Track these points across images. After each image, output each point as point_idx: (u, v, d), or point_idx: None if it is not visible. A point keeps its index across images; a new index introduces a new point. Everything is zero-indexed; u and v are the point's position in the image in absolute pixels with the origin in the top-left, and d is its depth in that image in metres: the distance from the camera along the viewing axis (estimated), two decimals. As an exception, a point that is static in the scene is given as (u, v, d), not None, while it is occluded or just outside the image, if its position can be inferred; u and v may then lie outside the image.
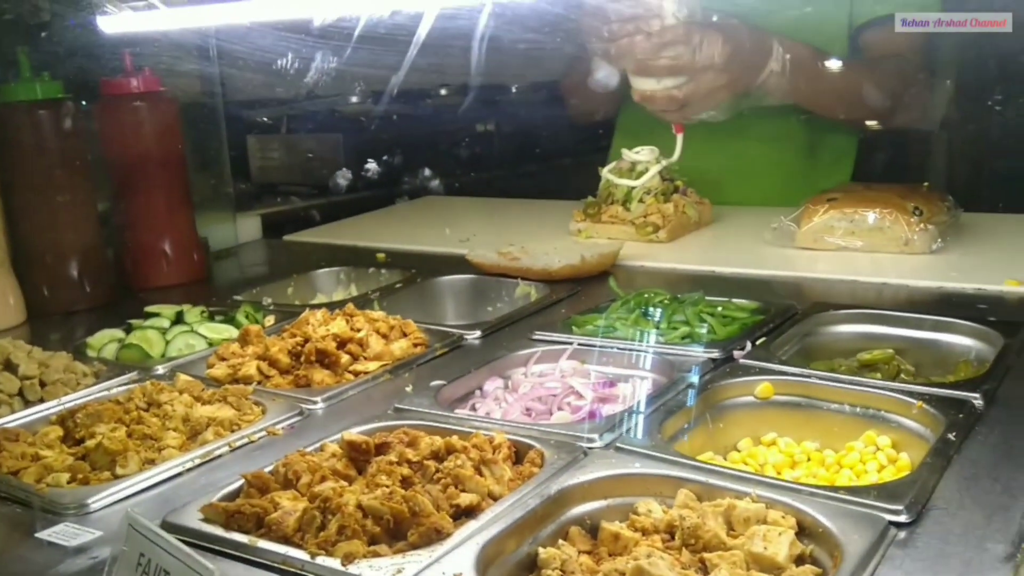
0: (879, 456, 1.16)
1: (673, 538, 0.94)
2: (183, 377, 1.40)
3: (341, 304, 1.65)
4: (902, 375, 1.35)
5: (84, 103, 1.96)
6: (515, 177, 3.69)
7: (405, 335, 1.55)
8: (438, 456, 1.08)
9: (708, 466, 1.08)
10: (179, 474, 1.15)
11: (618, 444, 1.13)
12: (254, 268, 2.37)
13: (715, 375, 1.32)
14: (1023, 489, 0.98)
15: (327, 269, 2.10)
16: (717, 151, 2.38)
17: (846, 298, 1.68)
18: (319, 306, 1.70)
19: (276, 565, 0.93)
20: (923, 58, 2.25)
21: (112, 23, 1.86)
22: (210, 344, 1.63)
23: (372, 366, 1.46)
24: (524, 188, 3.20)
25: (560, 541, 0.97)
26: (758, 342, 1.43)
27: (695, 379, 1.31)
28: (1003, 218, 2.18)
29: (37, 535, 1.03)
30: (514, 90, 3.79)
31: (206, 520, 1.01)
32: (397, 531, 0.96)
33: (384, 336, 1.53)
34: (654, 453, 1.09)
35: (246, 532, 0.98)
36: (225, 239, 2.44)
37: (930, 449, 1.08)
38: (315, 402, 1.34)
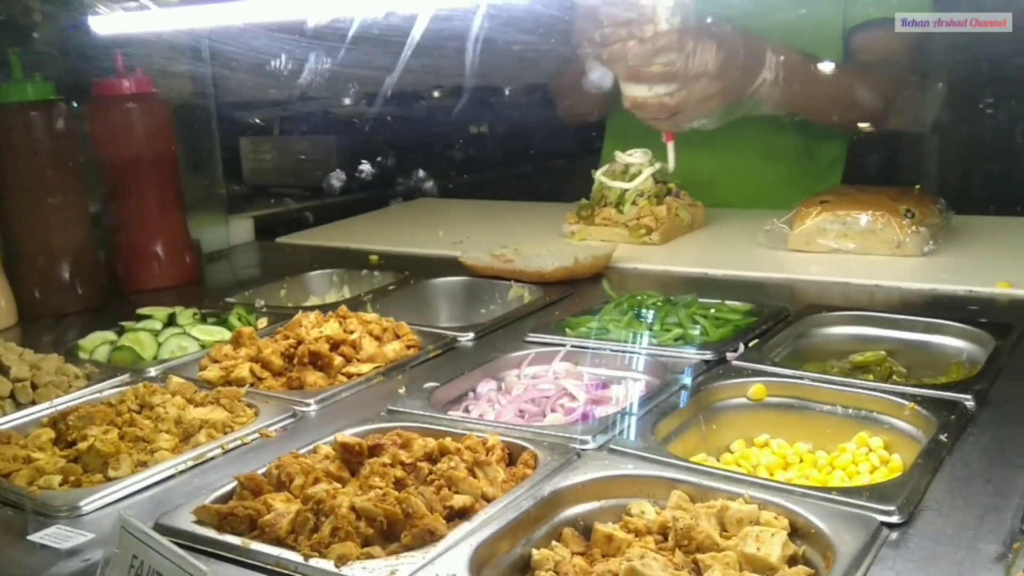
0: (871, 457, 1.16)
1: (666, 539, 0.94)
2: (175, 379, 1.40)
3: (334, 306, 1.65)
4: (894, 377, 1.36)
5: (76, 104, 1.96)
6: (508, 179, 3.70)
7: (398, 337, 1.55)
8: (431, 458, 1.08)
9: (701, 467, 1.08)
10: (172, 476, 1.15)
11: (611, 445, 1.13)
12: (246, 270, 2.36)
13: (708, 377, 1.32)
14: (1014, 490, 0.98)
15: (320, 271, 2.10)
16: (710, 154, 2.38)
17: (838, 300, 1.69)
18: (312, 308, 1.70)
19: (269, 567, 0.93)
20: (914, 61, 2.25)
21: (104, 24, 1.86)
22: (202, 346, 1.63)
23: (365, 368, 1.46)
24: (517, 190, 3.20)
25: (553, 542, 0.97)
26: (751, 344, 1.43)
27: (688, 381, 1.31)
28: (994, 221, 2.19)
29: (29, 537, 1.03)
30: (507, 92, 3.79)
31: (199, 522, 1.01)
32: (390, 533, 0.96)
33: (377, 338, 1.53)
34: (647, 455, 1.09)
35: (239, 534, 0.98)
36: (217, 241, 2.44)
37: (922, 450, 1.08)
38: (308, 404, 1.34)
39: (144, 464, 1.18)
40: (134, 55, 2.02)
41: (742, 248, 2.05)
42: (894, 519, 0.93)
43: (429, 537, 0.94)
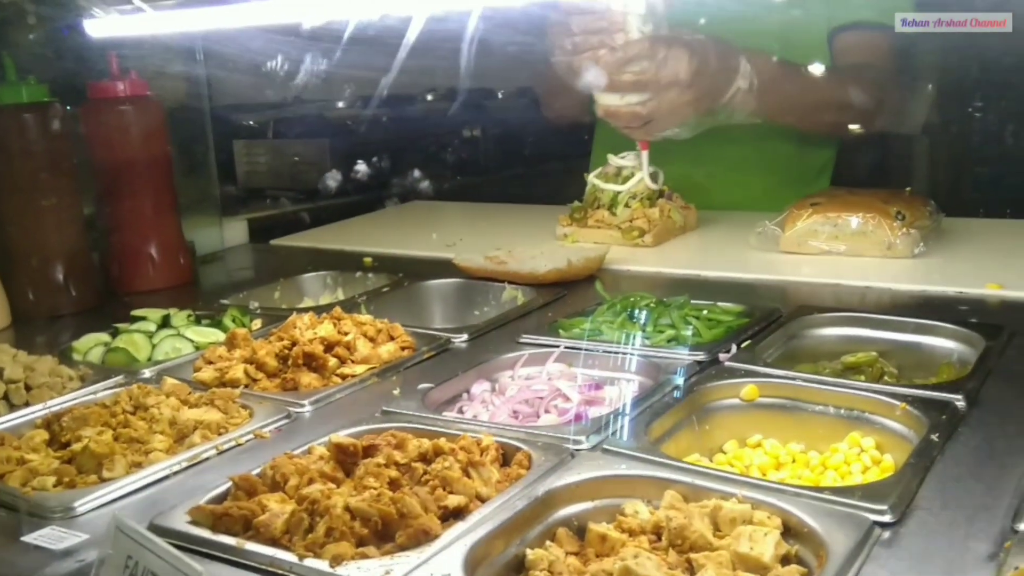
0: (863, 457, 1.17)
1: (660, 539, 0.95)
2: (170, 380, 1.40)
3: (328, 308, 1.65)
4: (885, 377, 1.37)
5: (70, 106, 1.96)
6: (502, 182, 3.70)
7: (392, 338, 1.55)
8: (426, 458, 1.09)
9: (694, 467, 1.09)
10: (166, 477, 1.15)
11: (605, 446, 1.13)
12: (241, 272, 2.36)
13: (701, 377, 1.33)
14: (1005, 489, 0.99)
15: (314, 273, 2.10)
16: (702, 157, 2.39)
17: (830, 301, 1.70)
18: (306, 310, 1.70)
19: (264, 567, 0.93)
20: (898, 64, 2.24)
21: (99, 26, 1.86)
22: (197, 348, 1.63)
23: (359, 369, 1.46)
24: (511, 193, 3.21)
25: (547, 542, 0.97)
26: (743, 345, 1.44)
27: (681, 381, 1.32)
28: (984, 223, 2.20)
29: (23, 539, 1.03)
30: (501, 95, 3.80)
31: (194, 523, 1.01)
32: (385, 533, 0.96)
33: (371, 339, 1.53)
34: (640, 455, 1.10)
35: (234, 534, 0.98)
36: (211, 243, 2.44)
37: (913, 450, 1.09)
38: (302, 405, 1.34)
39: (138, 465, 1.18)
40: (129, 57, 2.02)
41: (734, 250, 2.06)
42: (886, 518, 0.94)
43: (424, 537, 0.94)
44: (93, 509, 1.08)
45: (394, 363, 1.48)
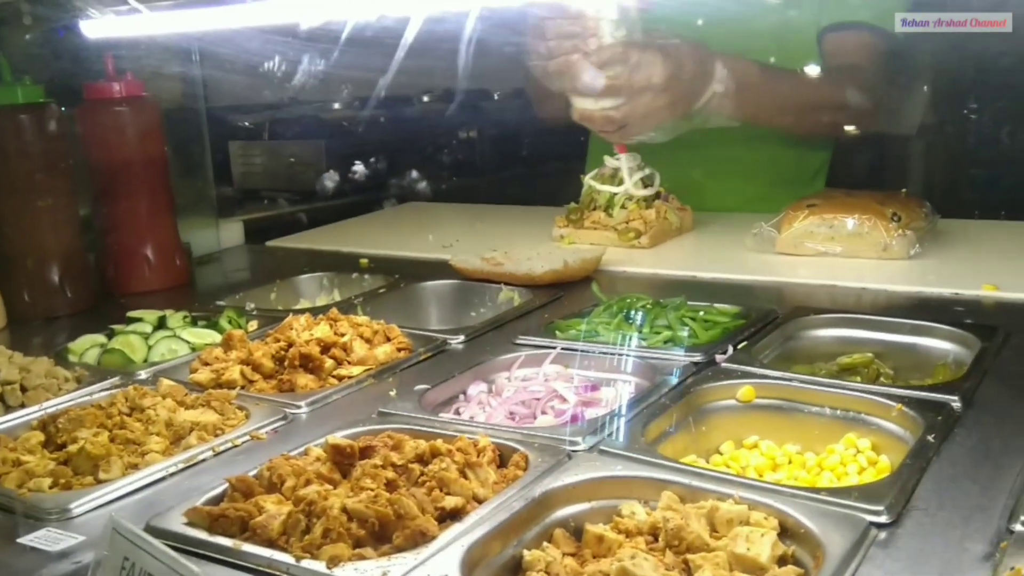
0: (859, 458, 1.17)
1: (657, 540, 0.95)
2: (166, 382, 1.40)
3: (325, 309, 1.65)
4: (881, 378, 1.37)
5: (66, 107, 1.95)
6: (498, 183, 3.70)
7: (389, 340, 1.55)
8: (423, 459, 1.09)
9: (691, 468, 1.09)
10: (162, 479, 1.15)
11: (602, 447, 1.13)
12: (237, 273, 2.36)
13: (697, 379, 1.33)
14: (1001, 489, 0.99)
15: (310, 274, 2.09)
16: (698, 158, 2.40)
17: (826, 303, 1.70)
18: (302, 311, 1.70)
19: (261, 569, 0.93)
20: (884, 65, 2.24)
21: (95, 27, 1.86)
22: (193, 349, 1.63)
23: (356, 371, 1.46)
24: (507, 194, 3.21)
25: (544, 543, 0.97)
26: (739, 346, 1.44)
27: (677, 383, 1.32)
28: (979, 224, 2.20)
29: (19, 540, 1.02)
30: (497, 96, 3.80)
31: (190, 524, 1.01)
32: (382, 534, 0.96)
33: (368, 341, 1.53)
34: (637, 456, 1.10)
35: (231, 536, 0.98)
36: (207, 244, 2.44)
37: (909, 451, 1.09)
38: (299, 406, 1.34)
39: (135, 466, 1.18)
40: (125, 58, 2.02)
41: (730, 251, 2.06)
42: (883, 519, 0.94)
43: (421, 538, 0.94)
44: (89, 511, 1.08)
45: (391, 364, 1.48)
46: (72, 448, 1.18)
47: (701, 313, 1.57)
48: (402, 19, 1.47)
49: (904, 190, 2.07)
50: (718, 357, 1.40)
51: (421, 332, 1.63)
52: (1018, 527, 0.91)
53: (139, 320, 1.72)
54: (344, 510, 0.97)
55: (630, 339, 1.48)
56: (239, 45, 1.89)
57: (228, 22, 1.68)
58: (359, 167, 2.66)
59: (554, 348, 1.47)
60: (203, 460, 1.19)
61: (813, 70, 2.20)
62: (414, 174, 2.76)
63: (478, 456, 1.10)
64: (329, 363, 1.46)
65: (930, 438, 1.10)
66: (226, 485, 1.07)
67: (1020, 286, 1.68)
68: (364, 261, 2.16)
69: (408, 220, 2.75)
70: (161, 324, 1.71)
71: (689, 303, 1.61)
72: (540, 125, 2.62)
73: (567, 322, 1.59)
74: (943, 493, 1.00)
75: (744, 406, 1.29)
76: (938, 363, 1.43)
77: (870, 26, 2.18)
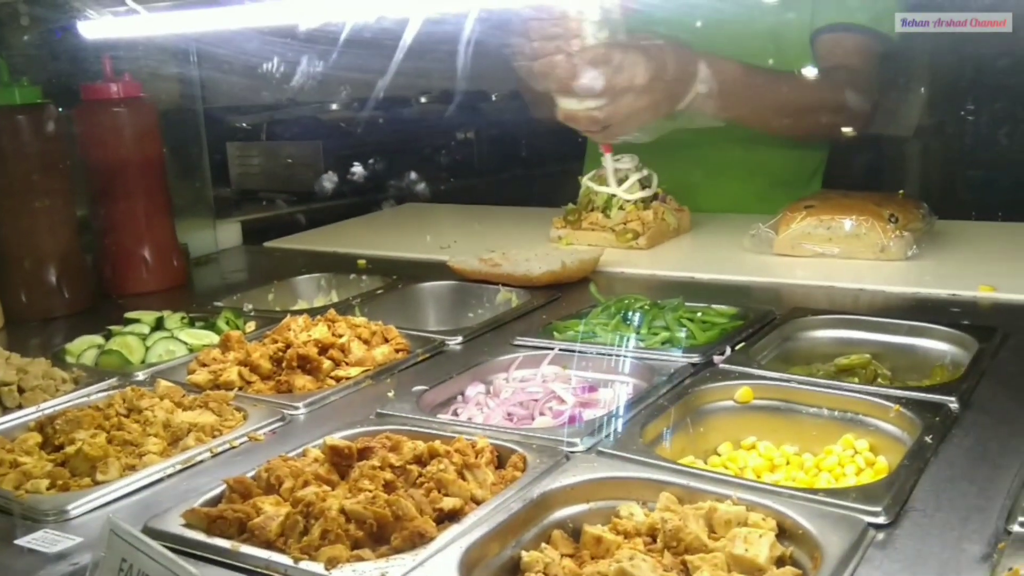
0: (857, 459, 1.17)
1: (655, 541, 0.95)
2: (163, 383, 1.40)
3: (322, 310, 1.65)
4: (879, 379, 1.37)
5: (64, 108, 1.95)
6: (496, 184, 3.70)
7: (387, 341, 1.55)
8: (421, 461, 1.09)
9: (689, 469, 1.09)
10: (160, 480, 1.15)
11: (600, 448, 1.13)
12: (234, 274, 2.36)
13: (695, 380, 1.33)
14: (998, 490, 0.99)
15: (308, 275, 2.09)
16: (696, 159, 2.40)
17: (823, 304, 1.70)
18: (300, 312, 1.70)
19: (259, 570, 0.93)
20: (876, 67, 2.23)
21: (92, 28, 1.86)
22: (191, 350, 1.63)
23: (354, 372, 1.46)
24: (505, 195, 3.21)
25: (543, 544, 0.97)
26: (737, 347, 1.44)
27: (675, 384, 1.32)
28: (976, 225, 2.21)
29: (16, 542, 1.02)
30: (495, 97, 3.80)
31: (188, 526, 1.01)
32: (380, 535, 0.96)
33: (366, 342, 1.53)
34: (635, 457, 1.10)
35: (228, 537, 0.98)
36: (205, 245, 2.43)
37: (907, 452, 1.09)
38: (297, 408, 1.34)
39: (132, 468, 1.18)
40: (122, 59, 2.02)
41: (728, 252, 2.06)
42: (880, 520, 0.94)
43: (419, 539, 0.94)
44: (87, 512, 1.08)
45: (388, 365, 1.48)
46: (70, 449, 1.18)
47: (699, 314, 1.58)
48: (400, 20, 1.47)
49: (902, 191, 2.07)
50: (716, 358, 1.40)
51: (419, 333, 1.63)
52: (1016, 528, 0.91)
53: (136, 321, 1.72)
54: (342, 511, 0.97)
55: (628, 340, 1.49)
56: (237, 46, 1.89)
57: (226, 23, 1.68)
58: (357, 168, 2.65)
59: (552, 349, 1.47)
60: (201, 461, 1.19)
61: (804, 71, 2.20)
62: (412, 175, 2.76)
63: (476, 457, 1.10)
64: (327, 364, 1.45)
65: (928, 439, 1.11)
66: (224, 486, 1.07)
67: (1017, 287, 1.68)
68: (362, 262, 2.16)
69: (406, 221, 2.75)
70: (159, 325, 1.71)
71: (687, 304, 1.61)
72: (538, 126, 2.62)
73: (565, 323, 1.59)
74: (941, 494, 1.00)
75: (742, 407, 1.29)
76: (936, 364, 1.43)
77: (862, 28, 2.18)
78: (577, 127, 2.10)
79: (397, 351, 1.54)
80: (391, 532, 0.95)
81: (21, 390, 1.41)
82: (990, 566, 0.86)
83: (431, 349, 1.55)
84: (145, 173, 2.06)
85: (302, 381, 1.42)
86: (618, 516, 0.99)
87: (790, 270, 1.90)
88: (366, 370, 1.46)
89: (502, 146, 3.75)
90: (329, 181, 2.71)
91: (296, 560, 0.93)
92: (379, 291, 1.94)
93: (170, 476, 1.16)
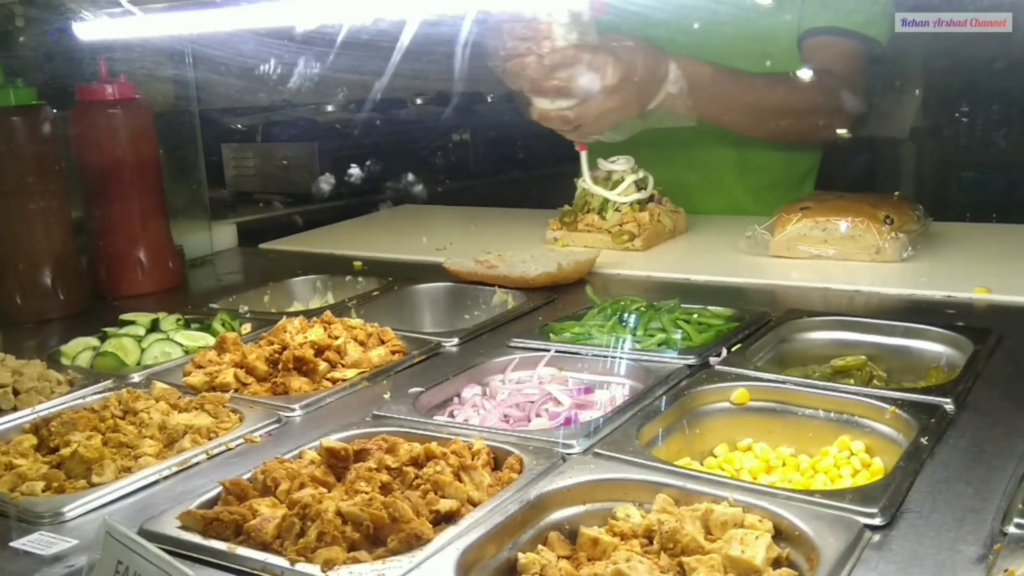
0: (853, 460, 1.17)
1: (651, 542, 0.95)
2: (159, 385, 1.39)
3: (318, 312, 1.65)
4: (874, 381, 1.38)
5: (59, 110, 1.95)
6: (492, 186, 3.70)
7: (383, 342, 1.55)
8: (417, 462, 1.08)
9: (685, 471, 1.09)
10: (156, 482, 1.15)
11: (596, 450, 1.13)
12: (230, 276, 2.35)
13: (691, 381, 1.33)
14: (994, 491, 1.00)
15: (304, 277, 2.09)
16: (691, 160, 2.40)
17: (819, 305, 1.70)
18: (296, 314, 1.69)
19: (255, 572, 0.93)
20: (862, 69, 2.24)
21: (88, 29, 1.85)
22: (186, 352, 1.62)
23: (350, 373, 1.46)
24: (501, 197, 3.21)
25: (539, 546, 0.97)
26: (733, 349, 1.44)
27: (671, 385, 1.32)
28: (971, 227, 2.21)
29: (12, 544, 1.02)
30: (491, 99, 3.81)
31: (184, 528, 1.00)
32: (377, 537, 0.96)
33: (362, 344, 1.53)
34: (632, 458, 1.10)
35: (225, 539, 0.98)
36: (200, 247, 2.43)
37: (903, 453, 1.09)
38: (293, 409, 1.33)
39: (128, 470, 1.17)
40: (117, 60, 2.02)
41: (724, 254, 2.07)
42: (877, 521, 0.95)
43: (415, 541, 0.94)
44: (82, 514, 1.08)
45: (385, 367, 1.48)
46: (65, 451, 1.18)
47: (695, 316, 1.58)
48: (397, 22, 1.47)
49: (897, 193, 2.08)
50: (712, 360, 1.40)
51: (415, 335, 1.63)
52: (1011, 529, 0.91)
53: (132, 323, 1.71)
54: (338, 513, 0.96)
55: (624, 342, 1.49)
56: (233, 47, 1.89)
57: (222, 24, 1.68)
58: (353, 169, 2.66)
59: (548, 351, 1.47)
60: (197, 463, 1.19)
61: (782, 74, 2.21)
62: (408, 177, 2.76)
63: (472, 459, 1.10)
64: (323, 366, 1.45)
65: (923, 440, 1.11)
66: (220, 488, 1.07)
67: (1012, 288, 1.69)
68: (358, 264, 2.16)
69: (402, 222, 2.75)
70: (154, 327, 1.71)
71: (683, 306, 1.61)
72: (534, 128, 2.62)
73: (561, 325, 1.59)
74: (936, 495, 1.00)
75: (738, 408, 1.29)
76: (931, 365, 1.43)
77: (849, 31, 2.19)
78: (550, 126, 2.14)
79: (393, 353, 1.54)
80: (387, 534, 0.95)
81: (16, 392, 1.41)
82: (986, 567, 0.87)
83: (427, 351, 1.55)
84: (140, 175, 2.06)
85: (298, 383, 1.42)
86: (614, 518, 0.99)
87: (786, 272, 1.90)
88: (362, 372, 1.46)
89: (498, 148, 3.75)
90: (325, 183, 2.71)
91: (292, 562, 0.92)
92: (375, 293, 1.93)
93: (166, 478, 1.16)
